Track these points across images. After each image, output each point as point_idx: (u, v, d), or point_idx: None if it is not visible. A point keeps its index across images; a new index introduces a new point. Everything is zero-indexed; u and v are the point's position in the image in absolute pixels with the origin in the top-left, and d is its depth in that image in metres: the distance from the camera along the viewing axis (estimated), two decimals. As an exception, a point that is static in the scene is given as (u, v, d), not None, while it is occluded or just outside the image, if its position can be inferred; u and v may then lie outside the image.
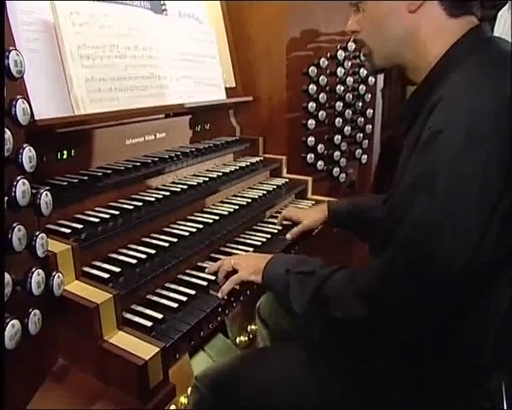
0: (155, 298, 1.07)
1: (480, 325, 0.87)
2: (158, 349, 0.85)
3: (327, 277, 0.93)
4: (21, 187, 0.73)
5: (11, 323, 0.70)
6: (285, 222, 1.51)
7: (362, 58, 2.13)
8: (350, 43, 2.06)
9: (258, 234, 1.45)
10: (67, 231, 1.04)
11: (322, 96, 1.95)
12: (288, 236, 1.42)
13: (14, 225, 0.71)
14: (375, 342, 0.87)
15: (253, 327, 1.72)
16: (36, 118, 1.07)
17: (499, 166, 0.75)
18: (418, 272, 0.78)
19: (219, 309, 1.08)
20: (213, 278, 1.16)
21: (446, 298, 0.80)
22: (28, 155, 0.75)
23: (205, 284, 1.13)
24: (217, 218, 1.37)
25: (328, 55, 1.99)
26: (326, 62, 1.96)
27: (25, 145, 0.75)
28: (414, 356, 0.90)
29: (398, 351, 0.90)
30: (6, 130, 0.71)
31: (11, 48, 0.74)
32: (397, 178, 0.99)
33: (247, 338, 1.67)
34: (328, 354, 1.01)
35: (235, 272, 1.12)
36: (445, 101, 0.79)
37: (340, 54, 2.01)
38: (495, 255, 0.80)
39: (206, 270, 1.17)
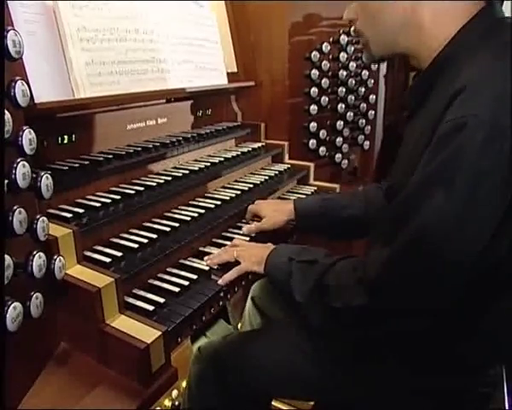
0: (157, 282, 1.08)
1: (490, 323, 0.87)
2: (160, 333, 0.85)
3: (329, 266, 0.92)
4: (21, 169, 0.72)
5: (13, 305, 0.70)
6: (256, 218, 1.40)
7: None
8: (353, 28, 2.01)
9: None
10: (68, 215, 1.04)
11: (325, 82, 1.93)
12: (245, 229, 1.32)
13: (15, 207, 0.71)
14: (374, 332, 0.87)
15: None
16: (35, 101, 1.06)
17: None
18: (428, 267, 0.77)
19: (221, 294, 1.09)
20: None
21: (452, 294, 0.79)
22: (28, 137, 0.74)
23: (206, 268, 1.14)
24: (218, 203, 1.37)
25: (331, 39, 1.97)
26: (328, 47, 1.94)
27: (25, 127, 0.74)
28: (415, 345, 0.90)
29: (399, 340, 0.90)
30: (5, 111, 0.70)
31: (9, 27, 0.73)
32: (402, 166, 0.96)
33: (248, 324, 1.68)
34: (333, 343, 1.01)
35: (237, 262, 1.12)
36: (466, 92, 0.74)
37: (343, 38, 1.99)
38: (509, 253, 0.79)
39: (208, 262, 1.15)
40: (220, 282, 1.08)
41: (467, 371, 0.92)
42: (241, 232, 1.33)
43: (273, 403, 1.54)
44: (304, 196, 1.67)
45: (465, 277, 0.77)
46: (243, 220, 1.43)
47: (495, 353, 0.92)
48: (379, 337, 0.91)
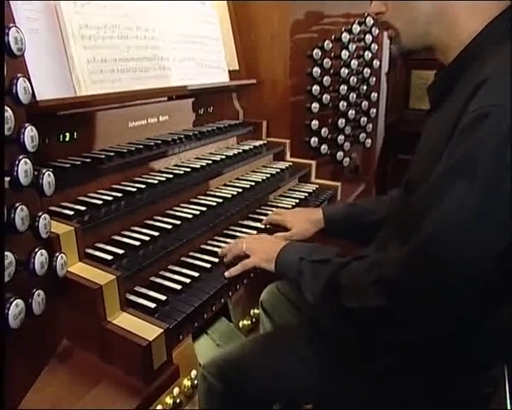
0: (159, 280, 1.07)
1: (496, 323, 0.86)
2: (161, 330, 0.85)
3: (343, 265, 0.90)
4: (23, 166, 0.71)
5: (15, 302, 0.70)
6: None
7: (367, 41, 2.11)
8: (355, 26, 2.03)
9: (262, 217, 1.44)
10: (70, 213, 1.04)
11: (327, 80, 1.93)
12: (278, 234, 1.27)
13: (17, 205, 0.71)
14: (390, 333, 0.85)
15: (255, 311, 1.72)
16: (37, 99, 1.06)
17: None
18: (450, 263, 0.73)
19: (223, 291, 1.09)
20: (217, 260, 1.16)
21: (473, 292, 0.75)
22: (30, 134, 0.74)
23: (208, 266, 1.13)
24: (220, 201, 1.37)
25: (333, 37, 1.97)
26: (330, 45, 1.93)
27: (26, 124, 0.74)
28: (425, 348, 0.88)
29: (410, 343, 0.88)
30: (7, 108, 0.69)
31: (11, 25, 0.73)
32: (422, 161, 0.93)
33: (250, 322, 1.68)
34: (338, 346, 1.00)
35: (246, 255, 1.11)
36: (490, 82, 0.73)
37: (345, 36, 1.98)
38: None
39: (219, 252, 1.15)
40: (226, 274, 1.07)
41: (470, 370, 0.91)
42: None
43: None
44: (306, 193, 1.67)
45: (486, 274, 0.74)
46: (245, 218, 1.43)
47: (499, 352, 0.92)
48: (393, 340, 0.88)
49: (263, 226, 1.38)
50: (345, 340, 0.99)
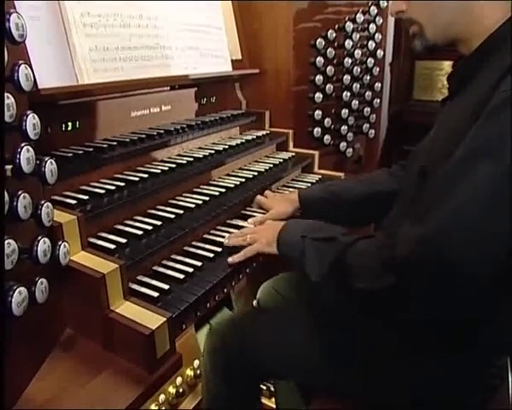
0: (161, 269, 1.08)
1: (506, 313, 0.85)
2: (164, 319, 0.85)
3: (350, 244, 0.88)
4: (26, 154, 0.71)
5: (18, 290, 0.70)
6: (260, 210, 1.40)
7: (370, 30, 2.08)
8: (359, 15, 2.00)
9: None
10: (73, 202, 1.04)
11: (330, 69, 1.91)
12: (250, 221, 1.29)
13: (20, 193, 0.71)
14: (397, 314, 0.83)
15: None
16: (39, 87, 1.06)
17: None
18: (468, 242, 0.71)
19: (226, 281, 1.08)
20: (219, 250, 1.16)
21: (484, 281, 0.73)
22: (32, 122, 0.73)
23: (211, 255, 1.13)
24: (223, 190, 1.37)
25: (337, 26, 1.94)
26: (334, 34, 1.91)
27: (28, 112, 0.73)
28: (429, 333, 0.88)
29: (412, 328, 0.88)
30: (9, 95, 0.69)
31: (12, 10, 0.72)
32: (438, 149, 0.91)
33: (252, 312, 1.68)
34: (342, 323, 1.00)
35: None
36: None
37: (349, 26, 1.96)
38: None
39: (226, 241, 1.16)
40: (230, 260, 1.07)
41: (475, 359, 0.91)
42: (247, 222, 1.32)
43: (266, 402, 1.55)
44: (309, 185, 1.66)
45: (500, 263, 0.72)
46: (247, 208, 1.43)
47: (506, 343, 0.91)
48: (400, 324, 0.87)
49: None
50: (345, 324, 0.99)
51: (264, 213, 1.35)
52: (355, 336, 0.99)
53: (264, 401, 1.53)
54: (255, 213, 1.39)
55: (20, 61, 0.72)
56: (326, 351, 1.00)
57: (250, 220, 1.31)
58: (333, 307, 1.02)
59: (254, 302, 1.44)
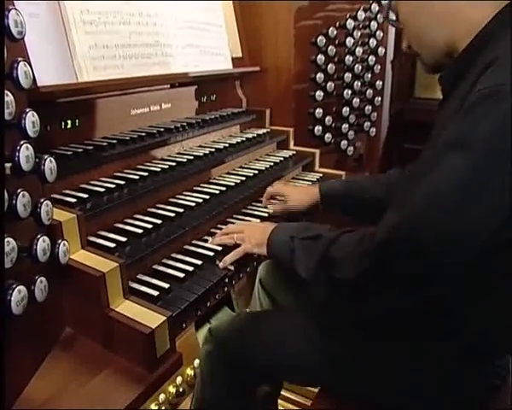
0: (161, 268, 1.07)
1: (500, 308, 0.85)
2: (164, 318, 0.84)
3: (334, 238, 0.91)
4: (25, 152, 0.71)
5: (17, 288, 0.69)
6: (273, 201, 1.42)
7: (372, 28, 2.08)
8: (360, 12, 1.99)
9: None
10: (73, 200, 1.03)
11: (331, 67, 1.90)
12: (270, 209, 1.34)
13: (19, 191, 0.70)
14: (380, 303, 0.85)
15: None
16: (38, 85, 1.05)
17: None
18: (440, 228, 0.73)
19: (226, 280, 1.08)
20: (220, 248, 1.15)
21: (456, 268, 0.76)
22: (31, 119, 0.73)
23: (211, 254, 1.13)
24: (223, 189, 1.36)
25: (338, 24, 1.94)
26: (335, 32, 1.91)
27: (27, 110, 0.73)
28: (425, 329, 0.89)
29: (408, 324, 0.88)
30: (8, 93, 0.69)
31: (11, 7, 0.71)
32: (429, 149, 0.92)
33: (253, 312, 1.67)
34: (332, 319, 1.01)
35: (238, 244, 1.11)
36: (498, 63, 0.73)
37: (350, 23, 1.95)
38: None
39: (209, 241, 1.17)
40: (220, 265, 1.08)
41: (476, 358, 0.91)
42: (268, 212, 1.34)
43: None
44: (309, 183, 1.65)
45: (473, 251, 0.74)
46: (248, 206, 1.42)
47: (505, 340, 0.91)
48: (380, 314, 0.89)
49: (266, 215, 1.36)
50: (340, 322, 1.00)
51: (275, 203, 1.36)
52: (353, 334, 0.99)
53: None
54: (256, 212, 1.38)
55: (19, 59, 0.71)
56: (325, 351, 1.00)
57: (270, 208, 1.34)
58: (327, 306, 1.03)
59: (256, 281, 1.44)
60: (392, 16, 0.99)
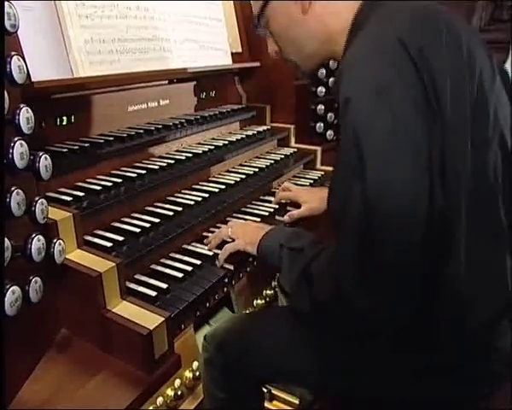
0: (160, 268, 1.06)
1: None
2: (163, 319, 0.84)
3: (314, 256, 0.91)
4: (19, 149, 0.70)
5: (11, 289, 0.68)
6: (283, 201, 1.42)
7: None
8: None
9: (266, 204, 1.42)
10: (68, 198, 1.03)
11: (333, 62, 1.86)
12: (287, 218, 1.33)
13: (13, 189, 0.69)
14: (355, 325, 0.85)
15: (259, 301, 1.71)
16: (32, 80, 1.04)
17: (417, 109, 0.73)
18: (375, 256, 0.75)
19: (225, 280, 1.07)
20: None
21: (412, 267, 0.76)
22: (25, 115, 0.72)
23: (210, 253, 1.12)
24: (223, 187, 1.36)
25: (340, 18, 1.91)
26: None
27: (22, 105, 0.71)
28: (417, 323, 0.87)
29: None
30: (1, 88, 0.67)
31: (3, -1, 0.69)
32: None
33: (253, 312, 1.67)
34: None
35: (233, 241, 1.12)
36: (346, 68, 0.80)
37: (352, 17, 1.93)
38: (450, 207, 0.77)
39: (208, 246, 1.16)
40: (217, 263, 1.09)
41: (477, 345, 0.89)
42: (283, 220, 1.33)
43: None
44: (311, 182, 1.64)
45: (420, 234, 0.74)
46: (248, 205, 1.41)
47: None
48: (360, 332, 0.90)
49: (267, 213, 1.35)
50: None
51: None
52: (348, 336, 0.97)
53: (266, 404, 1.53)
54: (256, 211, 1.37)
55: (13, 53, 0.70)
56: (322, 352, 1.00)
57: (286, 218, 1.33)
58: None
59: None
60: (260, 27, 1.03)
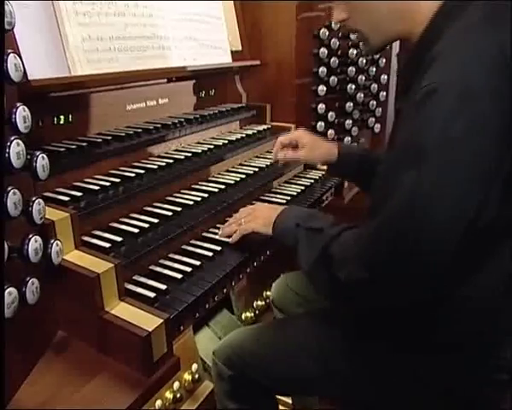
0: (158, 269, 1.05)
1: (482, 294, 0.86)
2: (161, 321, 0.83)
3: (334, 236, 0.91)
4: (15, 148, 0.69)
5: (8, 290, 0.68)
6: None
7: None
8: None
9: (266, 204, 1.40)
10: (66, 198, 1.02)
11: (334, 61, 1.87)
12: (280, 155, 1.35)
13: (9, 189, 0.68)
14: (375, 305, 0.88)
15: (259, 303, 1.71)
16: (29, 78, 1.03)
17: (497, 126, 0.71)
18: (407, 248, 0.76)
19: (225, 281, 1.06)
20: (219, 248, 1.14)
21: (439, 269, 0.77)
22: (22, 114, 0.71)
23: (210, 254, 1.11)
24: (222, 187, 1.35)
25: (341, 16, 1.90)
26: (338, 24, 1.86)
27: (18, 104, 0.70)
28: (426, 326, 0.89)
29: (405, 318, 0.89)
30: (-4, 87, 0.66)
31: (-2, -4, 0.68)
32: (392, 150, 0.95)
33: (252, 314, 1.66)
34: (343, 334, 1.01)
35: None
36: (440, 58, 0.76)
37: (354, 15, 1.91)
38: (497, 222, 0.78)
39: (220, 233, 1.17)
40: (230, 240, 1.11)
41: (476, 349, 0.90)
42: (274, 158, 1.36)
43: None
44: (312, 181, 1.63)
45: (449, 254, 0.76)
46: (248, 205, 1.40)
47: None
48: (382, 312, 0.91)
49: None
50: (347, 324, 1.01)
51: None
52: (353, 347, 0.98)
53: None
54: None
55: (9, 51, 0.69)
56: (324, 363, 1.00)
57: (280, 155, 1.37)
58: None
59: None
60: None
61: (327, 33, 1.83)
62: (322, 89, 1.86)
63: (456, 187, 0.72)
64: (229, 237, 1.15)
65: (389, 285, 0.81)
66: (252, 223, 1.11)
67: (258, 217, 1.11)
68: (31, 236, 0.73)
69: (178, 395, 1.03)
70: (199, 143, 1.54)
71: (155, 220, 1.10)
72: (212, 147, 1.47)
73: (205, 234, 1.22)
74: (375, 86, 2.11)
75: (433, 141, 0.72)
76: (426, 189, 0.73)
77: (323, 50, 1.83)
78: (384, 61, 2.13)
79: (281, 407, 1.60)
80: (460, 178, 0.72)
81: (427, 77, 0.75)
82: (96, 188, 1.09)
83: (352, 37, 1.93)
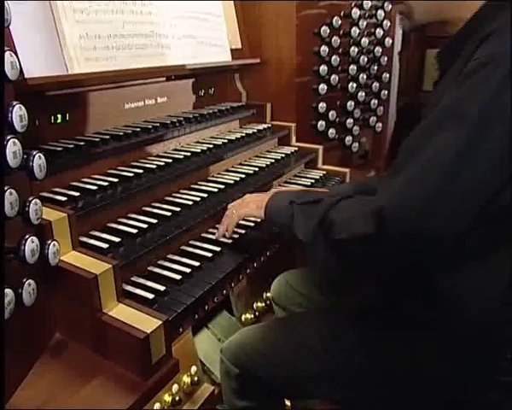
0: (157, 270, 1.05)
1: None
2: (160, 322, 0.82)
3: (333, 203, 0.92)
4: (12, 147, 0.68)
5: (4, 292, 0.67)
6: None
7: (378, 17, 2.03)
8: (366, 1, 1.95)
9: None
10: (63, 198, 1.01)
11: (335, 59, 1.86)
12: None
13: (6, 189, 0.68)
14: (374, 268, 0.88)
15: (259, 304, 1.71)
16: (25, 76, 1.02)
17: None
18: (432, 200, 0.75)
19: (225, 282, 1.06)
20: (218, 249, 1.13)
21: (448, 237, 0.77)
22: (18, 113, 0.70)
23: (209, 255, 1.11)
24: (222, 187, 1.34)
25: (342, 13, 1.89)
26: (339, 21, 1.86)
27: (14, 103, 0.70)
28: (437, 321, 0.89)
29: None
30: (-8, 85, 0.65)
31: (-7, -8, 0.67)
32: None
33: (252, 316, 1.66)
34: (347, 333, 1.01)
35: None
36: (496, 34, 0.76)
37: (355, 12, 1.90)
38: (506, 214, 0.79)
39: (216, 236, 1.17)
40: (216, 235, 1.14)
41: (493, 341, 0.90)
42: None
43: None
44: (312, 181, 1.63)
45: (468, 220, 0.76)
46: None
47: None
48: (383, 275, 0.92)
49: None
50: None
51: None
52: (356, 348, 0.98)
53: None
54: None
55: (5, 48, 0.68)
56: (326, 362, 1.00)
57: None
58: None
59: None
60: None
61: (328, 31, 1.82)
62: (322, 87, 1.86)
63: (488, 154, 0.73)
64: (225, 236, 1.15)
65: (398, 243, 0.79)
66: (243, 209, 1.11)
67: (249, 202, 1.12)
68: (27, 236, 0.73)
69: (177, 398, 1.03)
70: (198, 142, 1.54)
71: (154, 221, 1.10)
72: (211, 146, 1.47)
73: (204, 235, 1.22)
74: (376, 85, 2.10)
75: (480, 106, 0.73)
76: (460, 144, 0.73)
77: (324, 48, 1.82)
78: (386, 59, 2.12)
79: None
80: (492, 149, 0.73)
81: (480, 51, 0.77)
82: (94, 188, 1.08)
83: (353, 35, 1.92)
